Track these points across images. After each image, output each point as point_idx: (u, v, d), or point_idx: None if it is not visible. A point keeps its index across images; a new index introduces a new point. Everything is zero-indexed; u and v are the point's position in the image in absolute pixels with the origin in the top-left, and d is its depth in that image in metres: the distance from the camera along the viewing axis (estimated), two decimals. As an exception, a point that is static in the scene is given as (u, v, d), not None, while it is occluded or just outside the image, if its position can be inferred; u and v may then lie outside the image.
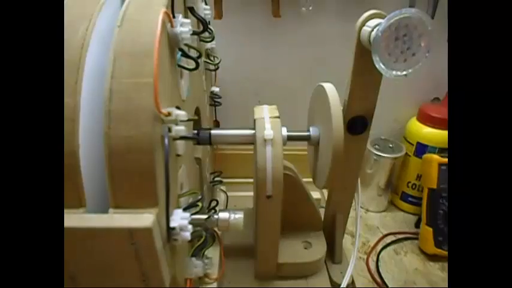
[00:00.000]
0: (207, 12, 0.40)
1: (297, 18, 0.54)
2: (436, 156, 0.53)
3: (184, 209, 0.27)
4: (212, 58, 0.47)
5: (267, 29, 0.55)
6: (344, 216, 0.47)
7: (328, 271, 0.46)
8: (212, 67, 0.47)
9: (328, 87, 0.38)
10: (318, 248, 0.44)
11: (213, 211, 0.36)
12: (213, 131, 0.41)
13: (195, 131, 0.40)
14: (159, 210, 0.23)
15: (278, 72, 0.59)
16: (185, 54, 0.28)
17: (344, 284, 0.41)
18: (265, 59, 0.57)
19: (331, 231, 0.48)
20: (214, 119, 0.58)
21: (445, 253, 0.52)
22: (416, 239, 0.56)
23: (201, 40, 0.41)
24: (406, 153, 0.60)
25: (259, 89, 0.60)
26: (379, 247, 0.56)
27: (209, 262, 0.39)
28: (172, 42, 0.27)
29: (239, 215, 0.35)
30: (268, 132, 0.35)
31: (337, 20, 0.55)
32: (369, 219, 0.62)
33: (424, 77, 0.60)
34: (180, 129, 0.24)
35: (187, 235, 0.26)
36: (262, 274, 0.43)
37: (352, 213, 0.63)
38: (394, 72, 0.30)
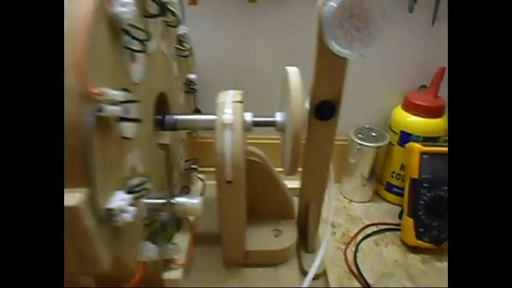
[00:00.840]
0: (174, -4, 0.40)
1: (274, 3, 0.53)
2: (417, 145, 0.51)
3: (129, 192, 0.27)
4: (184, 44, 0.46)
5: (244, 15, 0.54)
6: (318, 204, 0.46)
7: (300, 260, 0.45)
8: (184, 53, 0.47)
9: (291, 70, 0.37)
10: (288, 236, 0.44)
11: (170, 196, 0.36)
12: (178, 116, 0.40)
13: (159, 116, 0.40)
14: (93, 190, 0.23)
15: (257, 59, 0.58)
16: (130, 35, 0.28)
17: (311, 273, 0.40)
18: (244, 46, 0.56)
19: (305, 220, 0.47)
20: (195, 107, 0.58)
21: (426, 245, 0.50)
22: (399, 230, 0.55)
23: (167, 25, 0.41)
24: (390, 142, 0.58)
25: (239, 76, 0.59)
26: (359, 238, 0.54)
27: (174, 248, 0.40)
28: (114, 23, 0.26)
29: (196, 201, 0.35)
30: (227, 116, 0.35)
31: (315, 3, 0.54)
32: (352, 209, 0.61)
33: (411, 64, 0.58)
34: (114, 109, 0.24)
35: (127, 216, 0.26)
36: (230, 261, 0.43)
37: (336, 203, 0.62)
38: (347, 52, 0.29)
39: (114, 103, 0.24)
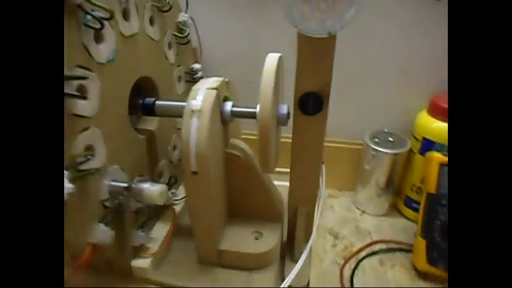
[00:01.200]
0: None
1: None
2: (437, 155, 0.44)
3: (67, 169, 0.26)
4: (183, 32, 0.45)
5: (255, 5, 0.51)
6: (308, 209, 0.42)
7: (283, 268, 0.41)
8: (183, 41, 0.46)
9: (270, 56, 0.34)
10: (269, 240, 0.40)
11: (136, 181, 0.35)
12: (157, 102, 0.40)
13: (141, 101, 0.40)
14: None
15: (268, 49, 0.54)
16: (85, 12, 0.27)
17: (285, 283, 0.36)
18: (255, 36, 0.54)
19: (294, 226, 0.43)
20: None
21: (439, 272, 0.43)
22: (411, 251, 0.48)
23: (158, 10, 0.40)
24: (411, 150, 0.51)
25: (250, 67, 0.56)
26: (362, 254, 0.48)
27: (144, 235, 0.39)
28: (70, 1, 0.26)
29: (155, 188, 0.33)
30: (195, 102, 0.33)
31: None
32: (362, 222, 0.54)
33: (442, 61, 0.50)
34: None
35: (59, 194, 0.25)
36: (204, 259, 0.40)
37: (345, 213, 0.56)
38: (314, 31, 0.25)
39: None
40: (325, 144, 0.58)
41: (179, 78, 0.48)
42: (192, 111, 0.33)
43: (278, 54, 0.34)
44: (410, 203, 0.53)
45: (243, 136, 0.46)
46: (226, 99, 0.37)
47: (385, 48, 0.51)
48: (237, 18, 0.53)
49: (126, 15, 0.35)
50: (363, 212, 0.56)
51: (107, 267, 0.39)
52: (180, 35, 0.45)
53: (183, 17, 0.45)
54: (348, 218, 0.55)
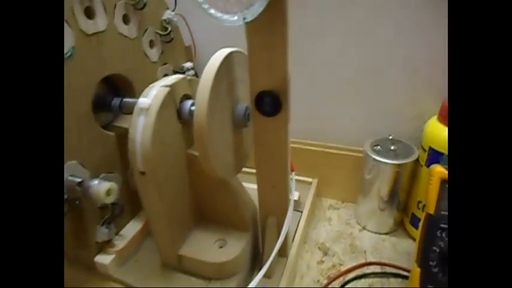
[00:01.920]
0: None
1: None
2: (439, 168, 0.36)
3: None
4: (166, 30, 0.45)
5: None
6: (278, 219, 0.38)
7: (250, 281, 0.38)
8: (166, 39, 0.45)
9: (221, 51, 0.31)
10: (232, 250, 0.37)
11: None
12: (125, 99, 0.39)
13: (110, 98, 0.40)
14: None
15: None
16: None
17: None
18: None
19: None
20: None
21: (434, 309, 0.36)
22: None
23: (133, 7, 0.40)
24: (418, 161, 0.44)
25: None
26: (351, 275, 0.43)
27: (107, 232, 0.39)
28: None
29: (102, 185, 0.33)
30: (143, 100, 0.32)
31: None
32: (360, 239, 0.48)
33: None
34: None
35: None
36: (166, 262, 0.39)
37: (342, 228, 0.50)
38: (222, 15, 0.22)
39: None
40: (328, 150, 0.54)
41: (165, 76, 0.47)
42: (140, 109, 0.32)
43: (231, 49, 0.32)
44: (416, 222, 0.46)
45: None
46: (186, 97, 0.36)
47: (393, 43, 0.45)
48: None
49: (90, 14, 0.35)
50: (363, 228, 0.50)
51: (73, 260, 0.39)
52: (162, 33, 0.44)
53: (168, 14, 0.45)
54: (344, 233, 0.49)
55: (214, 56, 0.30)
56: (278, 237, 0.38)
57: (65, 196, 0.34)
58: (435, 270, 0.36)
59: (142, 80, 0.43)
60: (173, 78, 0.34)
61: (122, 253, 0.40)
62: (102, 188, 0.33)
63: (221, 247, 0.38)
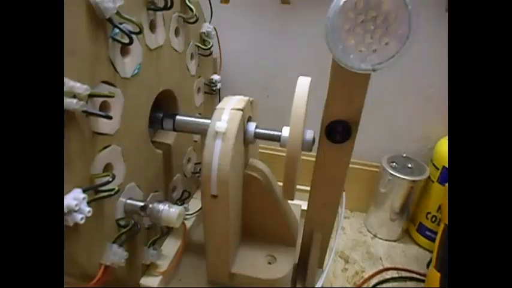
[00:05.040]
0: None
1: (308, 4, 0.48)
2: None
3: (85, 190, 0.25)
4: (206, 43, 0.44)
5: (277, 17, 0.50)
6: (324, 235, 0.41)
7: (294, 294, 0.40)
8: (205, 53, 0.45)
9: (301, 80, 0.32)
10: (283, 266, 0.39)
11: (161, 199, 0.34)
12: (178, 117, 0.38)
13: (160, 114, 0.38)
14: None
15: (289, 64, 0.53)
16: (115, 26, 0.26)
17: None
18: (275, 49, 0.53)
19: (308, 251, 0.42)
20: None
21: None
22: (424, 281, 0.46)
23: (184, 21, 0.39)
24: (430, 177, 0.50)
25: (269, 81, 0.55)
26: (373, 281, 0.47)
27: (155, 253, 0.38)
28: (95, 13, 0.25)
29: (174, 210, 0.32)
30: (221, 124, 0.32)
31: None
32: (374, 246, 0.53)
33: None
34: (72, 102, 0.22)
35: (77, 217, 0.24)
36: (215, 280, 0.39)
37: (357, 236, 0.55)
38: (356, 64, 0.24)
39: (75, 96, 0.22)
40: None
41: (198, 89, 0.46)
42: (217, 132, 0.31)
43: (309, 78, 0.33)
44: (424, 231, 0.52)
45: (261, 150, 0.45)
46: (249, 119, 0.36)
47: (409, 72, 0.50)
48: (258, 32, 0.52)
49: (152, 27, 0.33)
50: (374, 235, 0.55)
51: (115, 283, 0.37)
52: (204, 47, 0.44)
53: (207, 27, 0.44)
54: (359, 242, 0.54)
55: (300, 83, 0.31)
56: (322, 250, 0.41)
57: (123, 222, 0.32)
58: (454, 274, 0.42)
59: (183, 94, 0.42)
60: (240, 101, 0.34)
61: (167, 274, 0.39)
62: (175, 213, 0.32)
63: (270, 263, 0.40)
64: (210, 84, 0.49)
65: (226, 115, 0.33)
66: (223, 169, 0.31)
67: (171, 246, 0.42)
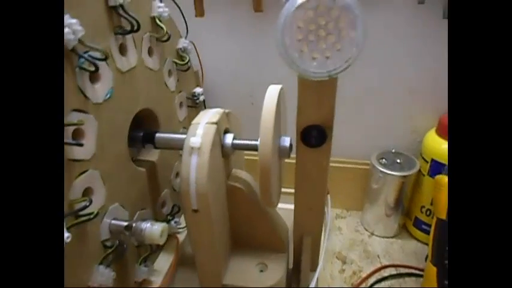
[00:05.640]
0: (161, 10, 0.38)
1: (280, 10, 0.48)
2: (446, 179, 0.42)
3: (65, 217, 0.26)
4: (183, 58, 0.45)
5: (252, 25, 0.50)
6: (313, 238, 0.41)
7: (289, 300, 0.40)
8: (183, 68, 0.45)
9: (271, 89, 0.33)
10: (275, 272, 0.39)
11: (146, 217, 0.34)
12: (157, 134, 0.39)
13: (140, 134, 0.39)
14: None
15: (270, 69, 0.54)
16: (80, 56, 0.27)
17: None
18: (255, 56, 0.53)
19: (299, 254, 0.42)
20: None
21: (452, 301, 0.41)
22: (422, 276, 0.46)
23: (157, 40, 0.40)
24: (420, 171, 0.49)
25: (253, 88, 0.56)
26: (372, 279, 0.47)
27: (147, 270, 0.38)
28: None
29: (157, 227, 0.33)
30: (195, 139, 0.32)
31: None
32: (371, 244, 0.53)
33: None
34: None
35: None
36: (208, 292, 0.40)
37: (354, 235, 0.55)
38: (313, 73, 0.24)
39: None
40: (332, 164, 0.57)
41: (180, 104, 0.47)
42: (192, 148, 0.32)
43: (279, 86, 0.34)
44: (420, 225, 0.52)
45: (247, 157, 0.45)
46: (226, 131, 0.36)
47: (392, 67, 0.50)
48: (236, 41, 0.53)
49: (123, 50, 0.34)
50: (372, 233, 0.55)
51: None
52: (181, 62, 0.44)
53: (183, 43, 0.45)
54: (356, 241, 0.54)
55: (269, 93, 0.32)
56: (312, 254, 0.41)
57: (109, 242, 0.33)
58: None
59: (164, 111, 0.43)
60: (215, 114, 0.35)
61: (160, 288, 0.39)
62: (157, 230, 0.32)
63: (261, 271, 0.40)
64: (193, 97, 0.50)
65: (201, 129, 0.33)
66: (201, 183, 0.31)
67: (164, 262, 0.42)
